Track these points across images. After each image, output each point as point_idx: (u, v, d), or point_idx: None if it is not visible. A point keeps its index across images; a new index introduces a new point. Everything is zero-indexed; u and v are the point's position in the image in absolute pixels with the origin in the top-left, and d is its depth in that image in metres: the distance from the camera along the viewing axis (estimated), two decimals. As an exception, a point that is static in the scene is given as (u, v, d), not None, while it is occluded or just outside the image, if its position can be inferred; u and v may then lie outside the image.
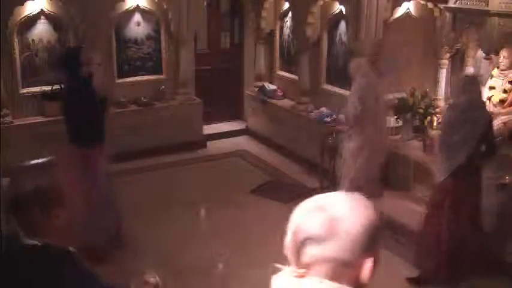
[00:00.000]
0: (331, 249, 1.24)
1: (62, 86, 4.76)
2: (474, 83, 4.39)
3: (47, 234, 1.76)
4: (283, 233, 1.32)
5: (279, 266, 1.32)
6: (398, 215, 5.27)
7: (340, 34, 6.91)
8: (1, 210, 1.81)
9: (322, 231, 1.24)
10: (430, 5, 5.82)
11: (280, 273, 1.31)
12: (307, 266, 1.27)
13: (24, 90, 6.59)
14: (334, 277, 1.25)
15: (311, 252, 1.25)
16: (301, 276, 1.27)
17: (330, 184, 6.12)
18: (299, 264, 1.27)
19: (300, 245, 1.26)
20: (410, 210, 5.22)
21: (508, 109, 5.27)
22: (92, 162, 4.53)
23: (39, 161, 1.83)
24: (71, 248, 1.83)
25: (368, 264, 1.26)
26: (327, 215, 1.25)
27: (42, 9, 6.50)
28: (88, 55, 4.79)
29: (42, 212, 1.75)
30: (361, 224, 1.25)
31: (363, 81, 5.23)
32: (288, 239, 1.29)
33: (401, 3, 6.03)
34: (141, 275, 2.06)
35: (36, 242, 1.75)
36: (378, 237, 1.28)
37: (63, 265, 1.76)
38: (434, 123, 5.63)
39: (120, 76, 7.23)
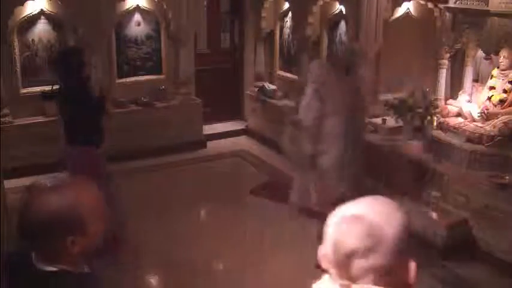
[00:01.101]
0: (377, 258, 1.23)
1: (60, 86, 4.75)
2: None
3: (61, 260, 1.65)
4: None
5: (321, 273, 1.31)
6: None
7: (340, 34, 6.91)
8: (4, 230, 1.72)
9: (366, 243, 1.22)
10: (430, 5, 5.82)
11: (321, 282, 1.30)
12: (353, 277, 1.25)
13: (24, 90, 6.58)
14: (380, 284, 1.24)
15: (359, 265, 1.24)
16: (347, 287, 1.26)
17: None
18: (344, 276, 1.26)
19: (346, 259, 1.24)
20: (410, 210, 5.21)
21: (508, 109, 5.27)
22: (89, 163, 4.52)
23: (54, 181, 1.66)
24: (85, 269, 1.73)
25: (412, 265, 1.27)
26: (366, 225, 1.24)
27: (42, 9, 6.50)
28: (85, 56, 4.79)
29: (57, 239, 1.62)
30: (397, 227, 1.26)
31: (320, 84, 5.11)
32: (330, 254, 1.27)
33: (401, 3, 6.03)
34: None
35: (51, 268, 1.64)
36: (408, 237, 1.29)
37: None
38: (434, 123, 5.63)
39: (120, 76, 7.23)
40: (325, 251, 1.28)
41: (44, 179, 1.67)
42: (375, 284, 1.24)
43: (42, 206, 1.60)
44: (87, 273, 1.71)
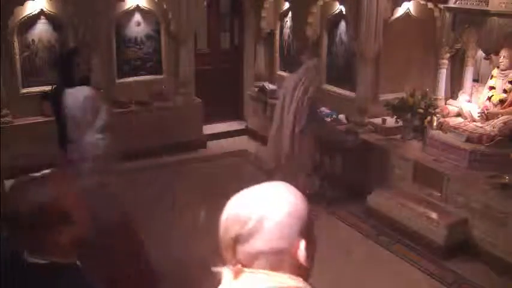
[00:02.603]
0: (261, 242, 1.26)
1: (57, 87, 4.73)
2: None
3: (50, 251, 1.70)
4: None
5: (216, 268, 1.34)
6: (398, 215, 5.27)
7: (340, 34, 6.91)
8: (2, 227, 1.77)
9: (248, 227, 1.26)
10: (430, 5, 5.82)
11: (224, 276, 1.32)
12: (243, 262, 1.29)
13: (24, 90, 6.59)
14: (274, 267, 1.27)
15: (244, 249, 1.28)
16: (238, 272, 1.29)
17: (330, 184, 6.13)
18: (234, 261, 1.30)
19: (232, 244, 1.29)
20: (410, 210, 5.21)
21: (508, 109, 5.28)
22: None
23: (39, 174, 1.75)
24: (77, 263, 1.77)
25: (301, 246, 1.27)
26: (252, 208, 1.28)
27: (42, 9, 6.50)
28: (84, 58, 4.76)
29: (44, 229, 1.68)
30: (286, 211, 1.27)
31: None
32: (220, 237, 1.33)
33: (401, 3, 6.03)
34: None
35: (39, 260, 1.69)
36: (308, 220, 1.30)
37: (68, 283, 1.71)
38: (434, 123, 5.63)
39: (120, 76, 7.23)
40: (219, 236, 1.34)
41: (27, 176, 1.76)
42: (272, 268, 1.27)
43: (26, 199, 1.67)
44: (77, 265, 1.76)
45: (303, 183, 5.32)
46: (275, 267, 1.27)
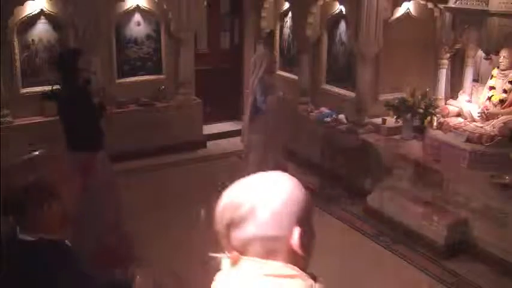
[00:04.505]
0: (253, 228, 1.26)
1: (60, 87, 4.74)
2: None
3: (42, 228, 1.78)
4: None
5: (214, 254, 1.35)
6: (398, 215, 5.27)
7: (340, 34, 6.91)
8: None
9: (241, 212, 1.27)
10: (430, 5, 5.82)
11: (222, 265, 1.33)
12: (239, 249, 1.29)
13: (24, 90, 6.58)
14: (269, 254, 1.27)
15: (236, 234, 1.28)
16: (235, 259, 1.29)
17: (329, 184, 6.13)
18: (229, 248, 1.31)
19: (226, 230, 1.30)
20: (410, 210, 5.21)
21: (508, 109, 5.27)
22: (89, 166, 4.49)
23: (29, 156, 1.88)
24: (66, 242, 1.85)
25: (295, 234, 1.27)
26: (246, 195, 1.29)
27: (42, 9, 6.49)
28: (85, 59, 4.76)
29: (34, 205, 1.77)
30: (280, 199, 1.27)
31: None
32: (216, 226, 1.33)
33: (401, 3, 6.03)
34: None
35: (31, 238, 1.77)
36: (304, 208, 1.30)
37: (59, 260, 1.78)
38: (434, 123, 5.63)
39: (120, 76, 7.23)
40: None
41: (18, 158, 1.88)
42: (267, 255, 1.27)
43: (18, 177, 1.78)
44: (64, 243, 1.84)
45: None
46: (270, 254, 1.27)
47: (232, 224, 1.28)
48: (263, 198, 1.28)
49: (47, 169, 1.82)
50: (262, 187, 1.30)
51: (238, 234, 1.28)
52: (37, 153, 1.90)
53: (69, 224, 1.88)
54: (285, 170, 1.56)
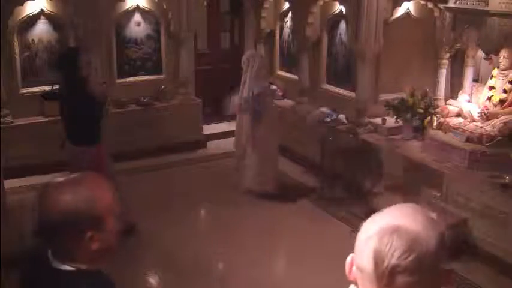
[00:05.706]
0: (423, 272, 1.18)
1: (60, 86, 4.75)
2: None
3: (79, 258, 1.62)
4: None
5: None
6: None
7: (340, 34, 6.91)
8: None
9: (411, 257, 1.16)
10: (430, 5, 5.82)
11: None
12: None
13: (24, 90, 6.59)
14: None
15: (403, 280, 1.17)
16: None
17: (329, 184, 6.13)
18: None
19: (388, 275, 1.17)
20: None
21: (508, 109, 5.27)
22: (90, 161, 4.52)
23: (70, 178, 1.65)
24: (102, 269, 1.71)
25: (451, 275, 1.23)
26: (409, 237, 1.18)
27: (42, 9, 6.50)
28: (85, 57, 4.78)
29: (76, 234, 1.59)
30: (436, 238, 1.20)
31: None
32: (367, 268, 1.21)
33: (401, 3, 6.03)
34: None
35: (69, 267, 1.61)
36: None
37: None
38: (434, 123, 5.63)
39: (120, 76, 7.23)
40: (359, 265, 1.23)
41: (58, 177, 1.65)
42: None
43: (61, 202, 1.57)
44: (103, 273, 1.68)
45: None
46: None
47: (401, 269, 1.17)
48: (426, 240, 1.20)
49: (92, 194, 1.61)
50: (419, 226, 1.20)
51: (404, 279, 1.17)
52: (79, 175, 1.67)
53: (111, 256, 1.70)
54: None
